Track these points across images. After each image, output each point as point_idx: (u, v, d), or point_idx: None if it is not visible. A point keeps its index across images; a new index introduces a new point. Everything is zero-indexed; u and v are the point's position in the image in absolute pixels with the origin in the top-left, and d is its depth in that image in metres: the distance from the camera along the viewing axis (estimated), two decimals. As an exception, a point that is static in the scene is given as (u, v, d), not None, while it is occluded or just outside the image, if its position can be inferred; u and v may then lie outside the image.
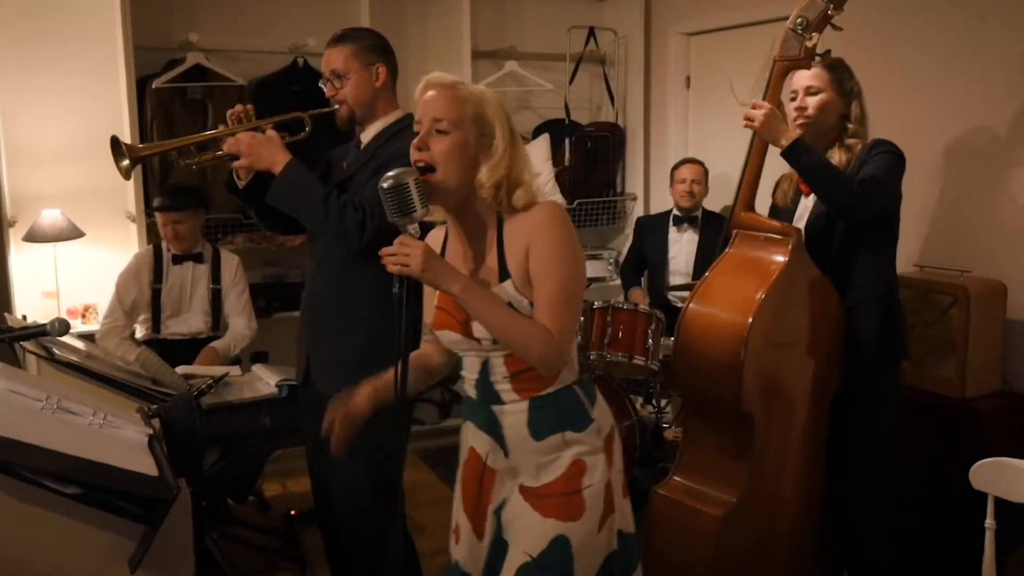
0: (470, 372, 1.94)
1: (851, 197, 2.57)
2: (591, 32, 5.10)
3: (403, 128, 2.57)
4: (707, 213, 4.47)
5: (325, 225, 2.42)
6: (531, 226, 1.80)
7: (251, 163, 2.46)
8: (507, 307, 1.80)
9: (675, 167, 4.50)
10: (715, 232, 4.34)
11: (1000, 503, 2.15)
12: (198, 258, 3.84)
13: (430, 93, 1.84)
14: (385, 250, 1.80)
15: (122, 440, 1.85)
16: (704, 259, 4.32)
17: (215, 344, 3.74)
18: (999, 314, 3.24)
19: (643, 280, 4.66)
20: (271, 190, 2.46)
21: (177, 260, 3.80)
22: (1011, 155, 3.28)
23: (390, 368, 1.94)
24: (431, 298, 1.96)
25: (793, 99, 2.78)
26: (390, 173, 1.79)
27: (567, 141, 5.02)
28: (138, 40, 3.95)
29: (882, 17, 3.58)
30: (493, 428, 1.93)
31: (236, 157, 2.47)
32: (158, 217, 3.78)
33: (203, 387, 2.52)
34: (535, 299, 1.80)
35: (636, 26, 5.07)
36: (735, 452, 2.58)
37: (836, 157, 2.72)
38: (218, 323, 3.88)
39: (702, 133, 4.95)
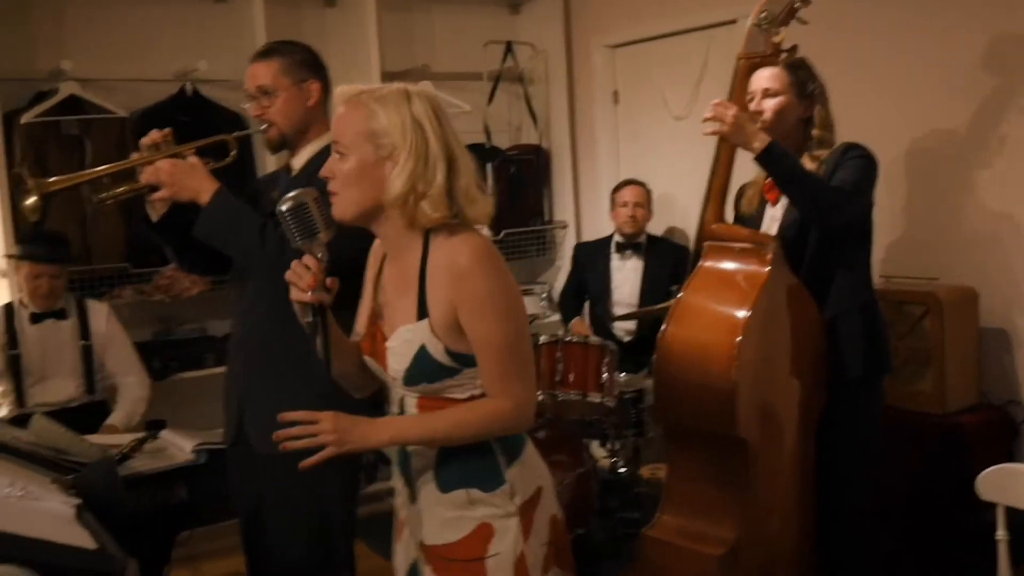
0: (391, 403, 1.96)
1: (829, 205, 2.67)
2: (508, 47, 5.19)
3: None
4: (651, 238, 4.56)
5: (262, 259, 2.37)
6: (454, 270, 1.76)
7: (173, 193, 2.41)
8: (446, 417, 1.81)
9: (616, 189, 4.58)
10: (661, 258, 4.45)
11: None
12: (60, 314, 3.69)
13: (337, 111, 1.86)
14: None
15: (48, 512, 1.77)
16: (651, 287, 4.42)
17: (112, 420, 3.59)
18: (972, 322, 3.40)
19: (585, 311, 4.72)
20: (199, 222, 2.41)
21: (37, 319, 3.65)
22: (975, 156, 3.47)
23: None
24: (363, 312, 1.99)
25: (750, 101, 2.88)
26: (289, 195, 1.83)
27: (489, 167, 5.07)
28: (0, 70, 3.84)
29: (843, 13, 3.73)
30: (405, 467, 1.94)
31: (155, 188, 2.41)
32: (23, 268, 3.62)
33: (126, 451, 2.42)
34: (480, 365, 1.79)
35: (556, 39, 5.19)
36: (730, 483, 2.61)
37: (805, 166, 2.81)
38: (92, 386, 3.72)
39: (635, 152, 5.07)
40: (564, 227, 5.33)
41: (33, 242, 3.65)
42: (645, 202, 4.50)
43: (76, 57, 4.08)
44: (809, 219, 2.79)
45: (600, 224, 5.06)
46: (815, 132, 2.87)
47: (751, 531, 2.65)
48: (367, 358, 1.94)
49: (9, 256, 3.67)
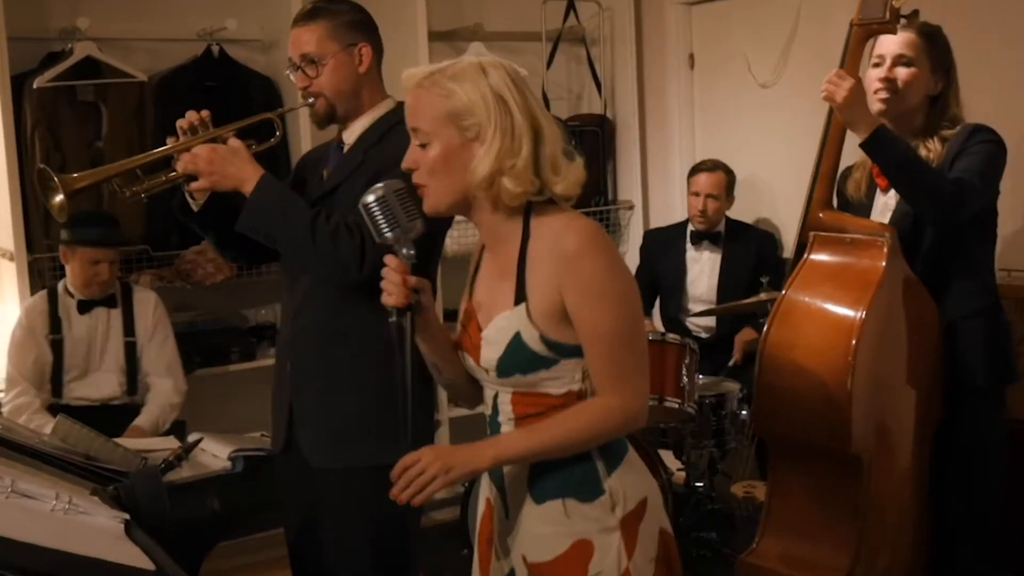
0: (485, 405, 2.02)
1: (944, 199, 2.66)
2: (570, 4, 5.18)
3: (398, 123, 2.56)
4: (732, 224, 4.56)
5: (313, 255, 2.40)
6: (560, 253, 1.82)
7: (214, 183, 2.43)
8: (551, 427, 1.86)
9: (692, 172, 4.57)
10: (743, 247, 4.44)
11: None
12: (110, 302, 3.79)
13: (408, 99, 1.91)
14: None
15: (96, 528, 1.82)
16: (731, 281, 4.42)
17: (139, 422, 3.68)
18: (1107, 324, 3.37)
19: (655, 308, 4.72)
20: (243, 216, 2.43)
21: (84, 307, 3.75)
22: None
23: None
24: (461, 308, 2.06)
25: (877, 65, 2.86)
26: (378, 185, 1.87)
27: (547, 139, 5.06)
28: (9, 29, 3.89)
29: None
30: (498, 476, 2.00)
31: (194, 178, 2.44)
32: (74, 253, 3.69)
33: (171, 459, 2.47)
34: (588, 358, 1.85)
35: (625, -5, 5.18)
36: (842, 505, 2.63)
37: (931, 149, 2.80)
38: (135, 385, 3.82)
39: (712, 124, 5.07)
40: (630, 208, 5.33)
41: (87, 224, 3.69)
42: (722, 192, 4.47)
43: (92, 14, 4.12)
44: (922, 214, 2.78)
45: (671, 206, 5.07)
46: (952, 111, 2.86)
47: (866, 559, 2.65)
48: (461, 353, 2.01)
49: (63, 242, 3.70)
